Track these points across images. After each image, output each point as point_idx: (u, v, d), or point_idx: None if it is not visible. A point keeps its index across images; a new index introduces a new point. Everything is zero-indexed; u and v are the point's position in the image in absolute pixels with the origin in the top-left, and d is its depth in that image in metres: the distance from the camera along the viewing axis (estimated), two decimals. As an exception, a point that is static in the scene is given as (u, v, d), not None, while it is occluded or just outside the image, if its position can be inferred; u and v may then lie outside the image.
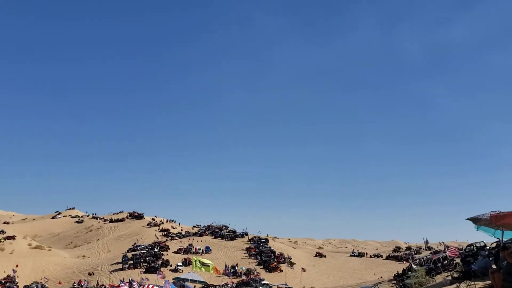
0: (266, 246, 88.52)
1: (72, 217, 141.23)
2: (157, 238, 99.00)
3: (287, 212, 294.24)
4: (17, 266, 71.05)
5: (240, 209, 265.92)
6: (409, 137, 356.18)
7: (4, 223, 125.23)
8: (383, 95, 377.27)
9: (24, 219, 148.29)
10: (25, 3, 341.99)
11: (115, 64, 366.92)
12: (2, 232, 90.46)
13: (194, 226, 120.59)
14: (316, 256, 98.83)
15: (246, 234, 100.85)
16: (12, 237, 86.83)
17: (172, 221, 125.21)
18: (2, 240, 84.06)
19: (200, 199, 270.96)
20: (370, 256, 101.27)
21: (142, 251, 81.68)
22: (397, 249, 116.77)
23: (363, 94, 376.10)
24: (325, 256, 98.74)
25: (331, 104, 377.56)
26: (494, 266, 15.12)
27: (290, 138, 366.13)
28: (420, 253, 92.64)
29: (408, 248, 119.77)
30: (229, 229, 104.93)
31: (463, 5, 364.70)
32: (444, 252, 35.07)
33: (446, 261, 33.75)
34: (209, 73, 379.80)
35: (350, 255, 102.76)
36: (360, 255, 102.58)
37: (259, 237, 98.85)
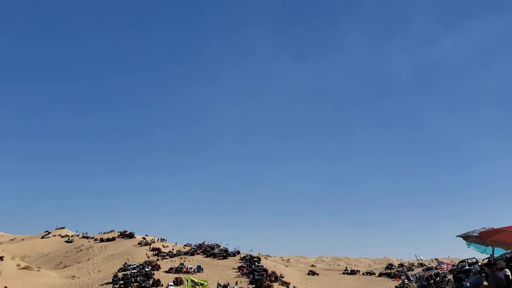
0: (258, 264, 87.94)
1: (62, 236, 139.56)
2: (148, 257, 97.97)
3: (279, 230, 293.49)
4: (5, 287, 69.83)
5: (231, 228, 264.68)
6: (400, 153, 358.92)
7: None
8: (373, 111, 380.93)
9: (12, 239, 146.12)
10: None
11: (105, 80, 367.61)
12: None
13: (185, 245, 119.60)
14: (308, 274, 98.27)
15: (238, 252, 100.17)
16: (0, 258, 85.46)
17: (163, 240, 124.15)
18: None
19: (191, 218, 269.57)
20: (363, 274, 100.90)
21: (133, 271, 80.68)
22: (390, 266, 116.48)
23: (353, 111, 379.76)
24: (317, 274, 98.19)
25: (321, 121, 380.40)
26: (485, 283, 15.17)
27: (281, 155, 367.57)
28: (412, 270, 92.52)
29: (401, 265, 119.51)
30: (220, 247, 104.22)
31: (450, 24, 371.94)
32: (437, 268, 35.10)
33: (438, 278, 33.81)
34: (201, 89, 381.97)
35: (343, 273, 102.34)
36: (353, 272, 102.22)
37: (251, 255, 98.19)
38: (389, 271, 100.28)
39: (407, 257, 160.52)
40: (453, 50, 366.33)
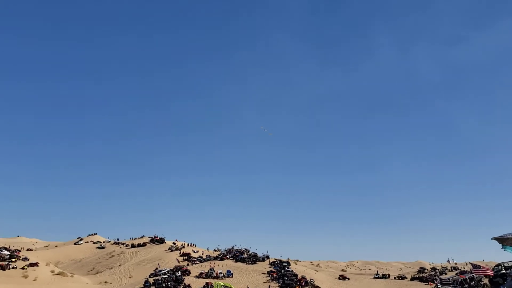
0: (288, 269, 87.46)
1: (94, 242, 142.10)
2: (179, 262, 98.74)
3: (308, 235, 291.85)
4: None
5: (260, 233, 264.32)
6: (430, 158, 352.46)
7: (28, 250, 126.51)
8: (402, 116, 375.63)
9: (46, 246, 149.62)
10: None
11: (128, 84, 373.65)
12: (26, 259, 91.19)
13: (214, 250, 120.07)
14: (339, 278, 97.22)
15: (267, 257, 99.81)
16: (35, 264, 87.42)
17: (193, 245, 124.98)
18: (26, 267, 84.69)
19: (220, 223, 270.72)
20: (395, 278, 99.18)
21: (164, 276, 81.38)
22: (422, 270, 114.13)
23: (381, 116, 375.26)
24: (348, 279, 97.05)
25: (350, 128, 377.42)
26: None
27: (310, 161, 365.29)
28: (445, 274, 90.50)
29: (433, 268, 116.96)
30: (250, 252, 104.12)
31: (477, 24, 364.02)
32: (471, 272, 34.14)
33: (473, 282, 32.92)
34: (228, 93, 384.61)
35: (374, 277, 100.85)
36: (384, 277, 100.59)
37: (280, 260, 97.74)
38: (421, 275, 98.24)
39: (440, 261, 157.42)
40: (482, 51, 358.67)
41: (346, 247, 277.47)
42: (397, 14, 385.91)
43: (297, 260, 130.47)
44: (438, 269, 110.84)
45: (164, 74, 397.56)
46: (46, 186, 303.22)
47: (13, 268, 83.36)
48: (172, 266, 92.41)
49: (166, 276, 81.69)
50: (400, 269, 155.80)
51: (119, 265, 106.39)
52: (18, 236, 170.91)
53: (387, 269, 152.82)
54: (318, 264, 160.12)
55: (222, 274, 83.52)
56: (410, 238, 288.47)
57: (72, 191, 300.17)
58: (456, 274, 57.23)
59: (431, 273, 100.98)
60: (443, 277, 67.18)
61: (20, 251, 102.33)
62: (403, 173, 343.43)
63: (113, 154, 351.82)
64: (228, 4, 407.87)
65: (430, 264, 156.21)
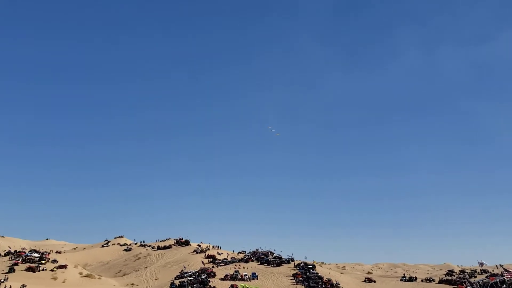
0: (313, 272, 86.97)
1: (121, 245, 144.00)
2: (204, 264, 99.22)
3: (334, 237, 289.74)
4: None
5: (285, 235, 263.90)
6: (458, 161, 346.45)
7: (57, 252, 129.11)
8: (428, 118, 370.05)
9: (75, 248, 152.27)
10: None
11: (149, 84, 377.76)
12: (55, 261, 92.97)
13: (239, 252, 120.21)
14: (365, 281, 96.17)
15: (292, 260, 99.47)
16: (64, 266, 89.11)
17: (218, 247, 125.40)
18: (55, 269, 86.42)
19: (245, 225, 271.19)
20: (422, 281, 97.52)
21: (189, 278, 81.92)
22: (450, 272, 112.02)
23: (407, 119, 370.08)
24: (374, 281, 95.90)
25: (376, 132, 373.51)
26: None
27: (335, 165, 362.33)
28: (475, 277, 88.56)
29: (462, 271, 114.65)
30: (274, 255, 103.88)
31: (504, 20, 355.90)
32: (502, 275, 33.21)
33: (505, 285, 32.15)
34: (250, 99, 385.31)
35: (401, 280, 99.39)
36: (411, 279, 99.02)
37: (305, 262, 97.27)
38: (449, 277, 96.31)
39: (469, 263, 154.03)
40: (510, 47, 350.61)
41: (372, 249, 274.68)
42: (421, 15, 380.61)
43: (322, 263, 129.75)
44: (467, 272, 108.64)
45: (186, 77, 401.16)
46: (75, 190, 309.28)
47: (43, 270, 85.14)
48: (198, 268, 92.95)
49: (192, 278, 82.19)
50: (427, 272, 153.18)
51: (146, 267, 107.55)
52: (47, 239, 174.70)
53: (414, 271, 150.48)
54: (344, 266, 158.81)
55: (247, 277, 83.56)
56: (438, 240, 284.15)
57: (99, 194, 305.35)
58: (486, 277, 55.93)
59: (459, 276, 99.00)
60: (472, 280, 65.78)
61: (49, 253, 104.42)
62: (431, 176, 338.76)
63: (141, 156, 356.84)
64: (250, 8, 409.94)
65: (458, 267, 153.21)
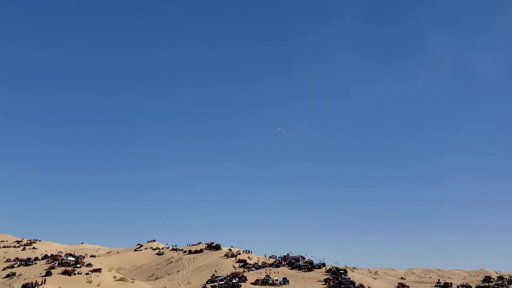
0: (345, 277, 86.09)
1: (153, 249, 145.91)
2: (235, 269, 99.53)
3: (366, 242, 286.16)
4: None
5: (316, 239, 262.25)
6: (495, 168, 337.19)
7: (91, 256, 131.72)
8: (465, 125, 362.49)
9: (109, 252, 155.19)
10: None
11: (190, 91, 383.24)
12: (90, 265, 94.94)
13: (270, 257, 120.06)
14: (398, 287, 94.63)
15: (324, 265, 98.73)
16: (98, 270, 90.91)
17: (248, 251, 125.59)
18: (90, 272, 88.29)
19: (275, 229, 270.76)
20: (458, 287, 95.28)
21: (221, 282, 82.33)
22: (488, 278, 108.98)
23: (441, 124, 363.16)
24: (408, 287, 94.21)
25: (409, 140, 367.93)
26: None
27: (370, 174, 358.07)
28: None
29: (500, 277, 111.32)
30: (305, 259, 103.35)
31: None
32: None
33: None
34: (283, 108, 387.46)
35: (436, 286, 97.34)
36: (446, 285, 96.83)
37: (337, 267, 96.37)
38: (487, 284, 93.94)
39: (507, 269, 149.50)
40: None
41: (405, 254, 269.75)
42: (453, 18, 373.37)
43: (354, 268, 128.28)
44: (506, 278, 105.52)
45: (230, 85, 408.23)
46: (110, 192, 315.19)
47: (78, 273, 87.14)
48: (229, 273, 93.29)
49: (223, 282, 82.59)
50: (463, 278, 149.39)
51: (177, 271, 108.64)
52: (82, 243, 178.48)
53: (449, 277, 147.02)
54: (376, 271, 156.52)
55: (278, 281, 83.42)
56: (474, 245, 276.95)
57: (132, 197, 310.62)
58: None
59: (498, 282, 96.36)
60: (511, 287, 63.88)
61: (84, 257, 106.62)
62: (467, 183, 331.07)
63: (175, 160, 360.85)
64: (283, 18, 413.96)
65: (496, 273, 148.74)
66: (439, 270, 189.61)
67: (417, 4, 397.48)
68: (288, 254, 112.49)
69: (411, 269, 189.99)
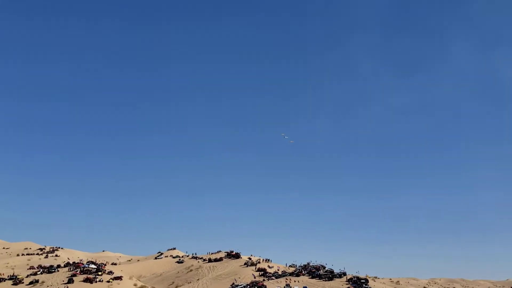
0: (366, 286, 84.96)
1: (173, 257, 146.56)
2: (254, 277, 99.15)
3: (387, 251, 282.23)
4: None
5: (336, 248, 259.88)
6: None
7: (112, 264, 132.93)
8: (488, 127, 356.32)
9: (129, 260, 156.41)
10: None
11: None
12: (111, 272, 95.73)
13: (290, 266, 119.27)
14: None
15: (344, 274, 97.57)
16: (119, 278, 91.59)
17: (268, 260, 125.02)
18: (111, 280, 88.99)
19: (295, 238, 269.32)
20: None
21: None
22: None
23: (465, 129, 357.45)
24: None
25: (433, 139, 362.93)
26: None
27: (394, 181, 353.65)
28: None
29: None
30: (326, 269, 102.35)
31: None
32: None
33: None
34: (301, 104, 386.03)
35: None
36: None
37: (358, 277, 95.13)
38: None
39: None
40: None
41: (428, 263, 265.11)
42: (475, 19, 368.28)
43: (376, 277, 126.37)
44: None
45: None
46: (130, 203, 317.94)
47: (100, 281, 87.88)
48: (248, 281, 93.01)
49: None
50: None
51: (197, 280, 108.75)
52: (104, 251, 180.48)
53: (474, 287, 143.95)
54: (398, 281, 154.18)
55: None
56: (500, 255, 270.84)
57: (153, 206, 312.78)
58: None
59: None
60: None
61: (105, 265, 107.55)
62: (491, 184, 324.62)
63: (196, 169, 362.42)
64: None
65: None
66: (463, 280, 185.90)
67: (440, 13, 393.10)
68: (308, 263, 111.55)
69: (434, 278, 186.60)
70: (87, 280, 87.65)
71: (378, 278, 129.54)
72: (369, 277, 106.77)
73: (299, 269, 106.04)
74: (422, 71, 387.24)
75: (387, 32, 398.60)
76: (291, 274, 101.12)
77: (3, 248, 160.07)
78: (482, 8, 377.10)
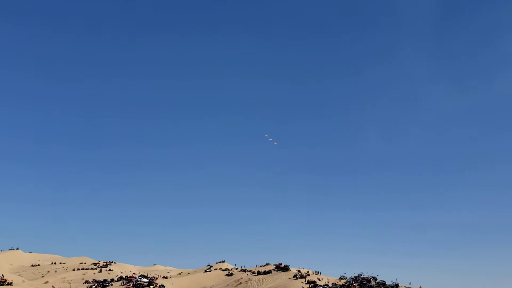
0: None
1: (222, 270, 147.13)
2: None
3: (442, 260, 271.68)
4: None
5: (388, 259, 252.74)
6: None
7: (163, 277, 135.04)
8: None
9: (180, 273, 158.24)
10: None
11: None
12: (162, 286, 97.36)
13: (340, 278, 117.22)
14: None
15: (397, 285, 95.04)
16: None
17: (318, 272, 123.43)
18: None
19: (345, 249, 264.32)
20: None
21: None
22: None
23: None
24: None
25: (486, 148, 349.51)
26: None
27: (445, 187, 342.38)
28: None
29: None
30: (377, 280, 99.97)
31: None
32: None
33: None
34: (351, 113, 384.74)
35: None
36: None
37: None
38: None
39: None
40: None
41: (484, 273, 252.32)
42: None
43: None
44: None
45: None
46: (179, 216, 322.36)
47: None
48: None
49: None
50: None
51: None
52: (155, 265, 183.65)
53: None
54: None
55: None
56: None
57: (201, 219, 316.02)
58: None
59: None
60: None
61: (156, 278, 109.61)
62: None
63: (243, 181, 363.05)
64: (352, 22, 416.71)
65: None
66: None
67: (492, 4, 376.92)
68: (359, 275, 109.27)
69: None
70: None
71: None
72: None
73: (349, 281, 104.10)
74: (476, 78, 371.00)
75: (439, 38, 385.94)
76: (342, 286, 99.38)
77: (60, 263, 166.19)
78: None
